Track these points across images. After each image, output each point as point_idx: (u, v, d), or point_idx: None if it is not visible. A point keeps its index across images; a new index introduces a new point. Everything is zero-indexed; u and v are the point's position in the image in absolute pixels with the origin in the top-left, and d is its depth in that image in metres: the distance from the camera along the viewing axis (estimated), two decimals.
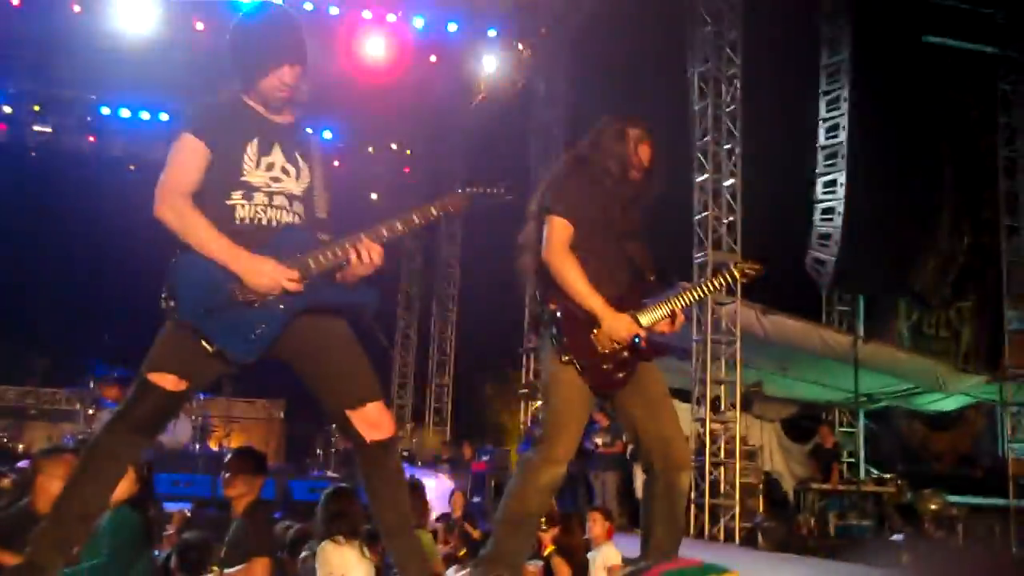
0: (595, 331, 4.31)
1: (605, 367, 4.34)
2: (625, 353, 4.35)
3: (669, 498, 4.44)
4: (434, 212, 3.87)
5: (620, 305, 4.36)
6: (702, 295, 4.75)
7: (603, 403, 4.74)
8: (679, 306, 4.52)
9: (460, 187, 3.97)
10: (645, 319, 4.41)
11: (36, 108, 16.03)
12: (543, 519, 6.40)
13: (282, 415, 18.60)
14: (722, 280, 4.89)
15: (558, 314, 4.38)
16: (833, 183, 15.26)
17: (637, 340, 4.31)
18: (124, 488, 4.69)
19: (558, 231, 4.39)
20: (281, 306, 3.65)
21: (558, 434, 4.37)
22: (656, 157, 4.58)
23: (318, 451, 16.45)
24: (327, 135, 16.24)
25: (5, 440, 13.00)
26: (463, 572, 6.44)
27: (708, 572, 1.31)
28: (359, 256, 3.71)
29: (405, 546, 3.90)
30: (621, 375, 4.37)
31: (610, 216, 4.47)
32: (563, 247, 4.36)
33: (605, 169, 4.50)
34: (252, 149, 3.78)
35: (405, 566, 3.87)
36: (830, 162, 15.42)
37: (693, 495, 12.24)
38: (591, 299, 4.31)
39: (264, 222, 3.74)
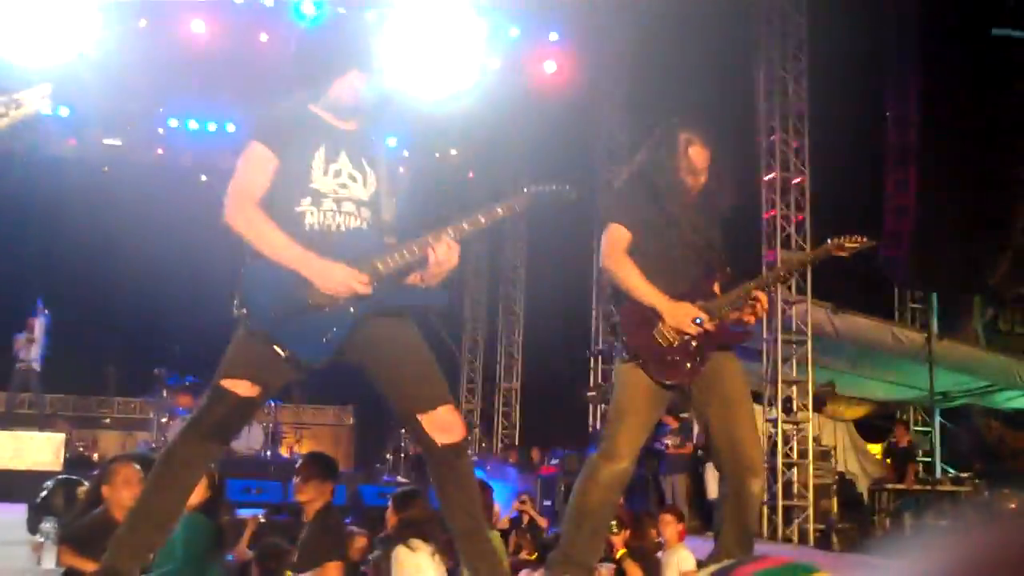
0: (659, 324, 4.31)
1: (671, 359, 4.33)
2: (693, 343, 4.34)
3: (737, 501, 4.41)
4: (500, 212, 3.87)
5: (687, 299, 4.35)
6: (789, 274, 4.66)
7: (679, 402, 4.71)
8: (757, 289, 4.47)
9: (524, 187, 3.97)
10: (719, 307, 4.39)
11: (103, 122, 16.26)
12: (613, 521, 6.38)
13: (351, 421, 18.72)
14: (818, 255, 4.87)
15: (621, 317, 4.42)
16: (904, 181, 15.02)
17: (699, 321, 4.28)
18: (196, 495, 4.75)
19: (613, 237, 4.45)
20: (351, 309, 3.67)
21: (617, 430, 4.39)
22: (716, 157, 4.55)
23: (388, 456, 16.54)
24: (391, 142, 16.33)
25: (82, 450, 13.22)
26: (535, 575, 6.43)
27: (797, 572, 1.24)
28: (436, 254, 3.72)
29: (477, 548, 3.90)
30: (689, 365, 4.36)
31: (673, 219, 4.47)
32: (618, 252, 4.41)
33: (657, 178, 4.51)
34: (319, 156, 3.81)
35: (477, 568, 3.87)
36: (900, 159, 15.18)
37: (766, 496, 12.14)
38: (648, 293, 4.33)
39: (333, 228, 3.76)
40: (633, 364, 4.37)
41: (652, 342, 4.33)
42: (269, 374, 3.71)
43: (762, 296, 4.46)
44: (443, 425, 3.81)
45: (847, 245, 4.71)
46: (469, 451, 3.94)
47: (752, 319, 4.49)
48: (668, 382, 4.37)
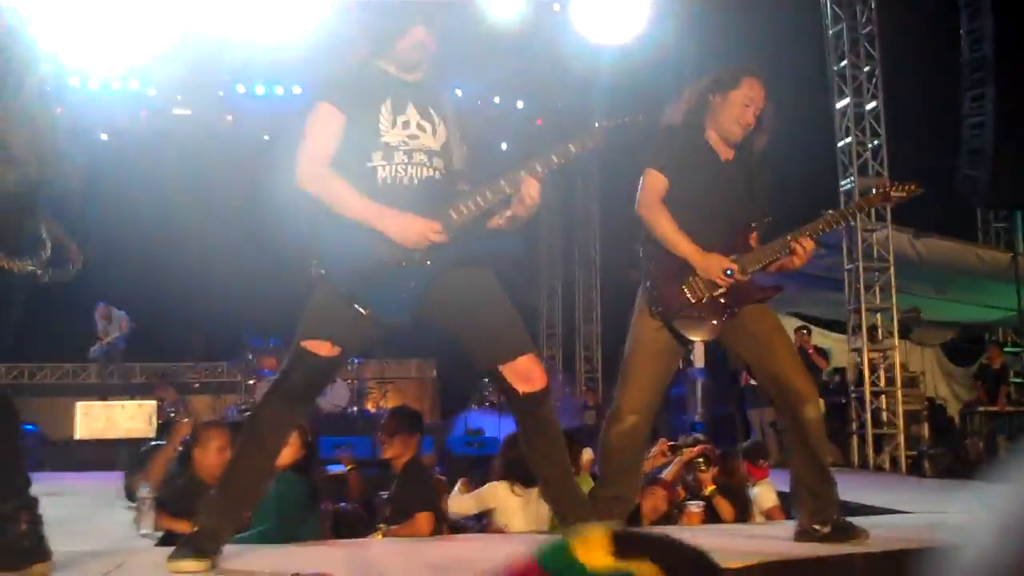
0: (690, 278, 4.28)
1: (698, 316, 4.30)
2: (722, 299, 4.30)
3: (797, 431, 4.37)
4: (573, 149, 3.81)
5: (720, 250, 4.31)
6: (829, 225, 4.53)
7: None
8: (794, 240, 4.39)
9: (596, 122, 3.91)
10: (752, 261, 4.33)
11: (178, 96, 16.36)
12: (701, 459, 6.38)
13: (434, 373, 18.84)
14: (856, 209, 4.78)
15: (652, 266, 4.38)
16: (981, 96, 14.66)
17: (730, 273, 4.24)
18: (288, 454, 4.82)
19: (649, 183, 4.42)
20: (429, 261, 3.66)
21: (624, 385, 4.46)
22: (764, 101, 4.48)
23: (472, 407, 16.66)
24: (457, 93, 16.23)
25: (172, 415, 13.49)
26: None
27: None
28: (519, 194, 3.69)
29: (564, 494, 3.92)
30: (715, 322, 4.31)
31: (714, 168, 4.42)
32: (653, 199, 4.37)
33: (703, 122, 4.48)
34: (386, 110, 3.80)
35: (565, 514, 3.89)
36: (976, 75, 14.81)
37: (855, 426, 12.07)
38: (680, 243, 4.30)
39: (406, 180, 3.75)
40: (652, 315, 4.37)
41: (681, 296, 4.31)
42: (350, 333, 3.71)
43: (806, 244, 4.38)
44: (524, 374, 3.80)
45: (893, 194, 4.57)
46: (552, 398, 3.93)
47: (794, 267, 4.44)
48: (692, 338, 4.36)
